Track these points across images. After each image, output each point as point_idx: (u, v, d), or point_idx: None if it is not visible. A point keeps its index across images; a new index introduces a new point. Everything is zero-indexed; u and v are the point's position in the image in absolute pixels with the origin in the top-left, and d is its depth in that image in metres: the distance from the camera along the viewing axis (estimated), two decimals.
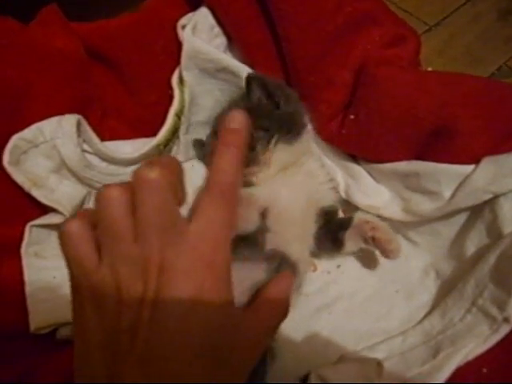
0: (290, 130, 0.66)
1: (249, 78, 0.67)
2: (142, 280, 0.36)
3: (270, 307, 0.43)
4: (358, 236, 0.65)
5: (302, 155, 0.69)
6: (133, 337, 0.36)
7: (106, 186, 0.37)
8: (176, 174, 0.38)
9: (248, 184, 0.66)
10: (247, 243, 0.59)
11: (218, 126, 0.72)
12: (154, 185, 0.35)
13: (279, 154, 0.66)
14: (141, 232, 0.36)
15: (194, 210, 0.37)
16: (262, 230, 0.60)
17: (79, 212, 0.40)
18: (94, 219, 0.38)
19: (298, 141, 0.67)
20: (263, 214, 0.61)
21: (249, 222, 0.57)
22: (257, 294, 0.44)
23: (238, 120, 0.38)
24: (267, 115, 0.67)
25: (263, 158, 0.65)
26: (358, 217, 0.66)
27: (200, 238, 0.37)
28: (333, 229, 0.67)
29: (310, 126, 0.70)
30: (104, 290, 0.37)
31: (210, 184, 0.37)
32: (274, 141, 0.65)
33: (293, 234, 0.63)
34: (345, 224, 0.66)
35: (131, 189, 0.37)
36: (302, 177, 0.68)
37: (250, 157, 0.65)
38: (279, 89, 0.68)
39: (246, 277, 0.59)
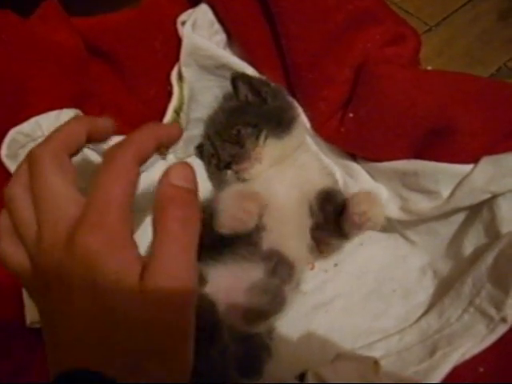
0: (279, 124, 0.66)
1: (234, 77, 0.68)
2: (51, 261, 0.36)
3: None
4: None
5: (294, 149, 0.69)
6: (59, 323, 0.36)
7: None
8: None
9: (241, 180, 0.66)
10: (243, 243, 0.58)
11: (207, 128, 0.73)
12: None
13: (270, 148, 0.66)
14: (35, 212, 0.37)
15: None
16: (258, 228, 0.59)
17: None
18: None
19: (288, 135, 0.67)
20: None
21: (252, 220, 0.57)
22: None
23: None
24: (255, 111, 0.67)
25: (254, 154, 0.65)
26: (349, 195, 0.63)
27: (88, 206, 0.35)
28: (333, 213, 0.64)
29: (301, 120, 0.70)
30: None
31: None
32: (263, 136, 0.65)
33: (289, 231, 0.63)
34: (340, 207, 0.63)
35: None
36: (295, 171, 0.67)
37: (241, 153, 0.65)
38: (265, 84, 0.68)
39: (243, 277, 0.59)
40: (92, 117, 0.43)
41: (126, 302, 0.34)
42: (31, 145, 0.60)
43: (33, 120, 0.60)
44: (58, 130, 0.40)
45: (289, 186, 0.65)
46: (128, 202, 0.36)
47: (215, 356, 0.51)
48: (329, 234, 0.66)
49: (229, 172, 0.67)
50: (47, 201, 0.37)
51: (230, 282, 0.58)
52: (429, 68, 0.75)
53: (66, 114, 0.61)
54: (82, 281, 0.34)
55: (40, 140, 0.59)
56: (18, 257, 0.39)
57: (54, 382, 0.35)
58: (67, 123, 0.41)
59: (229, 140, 0.67)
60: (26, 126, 0.60)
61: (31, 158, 0.38)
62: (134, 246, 0.36)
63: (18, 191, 0.39)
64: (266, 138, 0.65)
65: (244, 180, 0.66)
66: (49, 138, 0.39)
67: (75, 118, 0.42)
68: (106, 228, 0.34)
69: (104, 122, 0.44)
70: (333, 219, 0.64)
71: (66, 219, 0.36)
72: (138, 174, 0.37)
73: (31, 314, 0.57)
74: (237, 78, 0.68)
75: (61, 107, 0.61)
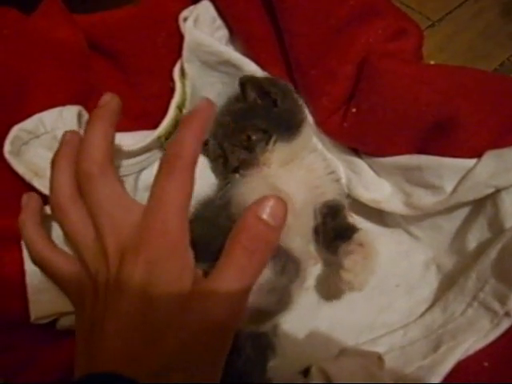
0: (288, 128, 0.66)
1: (242, 81, 0.67)
2: (105, 268, 0.38)
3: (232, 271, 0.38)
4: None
5: (302, 150, 0.69)
6: (102, 328, 0.37)
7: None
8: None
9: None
10: None
11: (214, 128, 0.71)
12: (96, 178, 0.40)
13: (279, 152, 0.65)
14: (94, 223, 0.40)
15: (151, 189, 0.39)
16: None
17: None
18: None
19: (297, 137, 0.66)
20: None
21: None
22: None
23: (200, 104, 0.40)
24: (264, 115, 0.66)
25: (262, 159, 0.65)
26: (359, 235, 0.61)
27: (153, 216, 0.38)
28: (332, 231, 0.64)
29: (310, 119, 0.69)
30: (80, 283, 0.41)
31: (164, 158, 0.39)
32: (272, 141, 0.65)
33: (296, 230, 0.62)
34: (346, 233, 0.62)
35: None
36: (302, 171, 0.67)
37: (249, 159, 0.65)
38: (274, 85, 0.67)
39: None
40: (107, 114, 0.43)
41: (175, 307, 0.36)
42: (34, 141, 0.60)
43: (36, 117, 0.60)
44: (91, 139, 0.41)
45: (296, 186, 0.65)
46: (186, 212, 0.38)
47: (235, 361, 0.52)
48: (322, 246, 0.66)
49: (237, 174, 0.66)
50: (107, 211, 0.39)
51: None
52: (432, 62, 0.74)
53: (69, 111, 0.61)
54: (137, 285, 0.36)
55: (43, 137, 0.60)
56: (65, 263, 0.43)
57: (82, 381, 0.36)
58: (95, 132, 0.42)
59: (238, 145, 0.66)
60: (28, 123, 0.59)
61: (82, 175, 0.40)
62: (191, 253, 0.38)
63: (66, 202, 0.42)
64: (275, 143, 0.65)
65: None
66: (89, 149, 0.41)
67: (97, 123, 0.42)
68: (168, 236, 0.37)
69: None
70: (330, 237, 0.64)
71: (128, 226, 0.38)
72: (193, 185, 0.38)
73: (36, 309, 0.57)
74: (245, 82, 0.67)
75: (63, 104, 0.61)
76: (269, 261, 0.58)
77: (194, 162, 0.38)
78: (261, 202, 0.37)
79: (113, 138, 0.43)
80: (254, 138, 0.65)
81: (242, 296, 0.37)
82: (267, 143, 0.65)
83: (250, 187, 0.62)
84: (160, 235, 0.37)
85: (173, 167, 0.37)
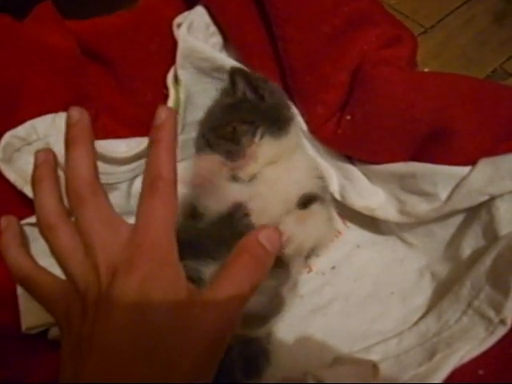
0: (275, 122, 0.66)
1: (232, 71, 0.67)
2: (96, 285, 0.39)
3: (229, 286, 0.39)
4: None
5: (290, 150, 0.69)
6: (91, 344, 0.37)
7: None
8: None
9: (236, 179, 0.65)
10: (234, 244, 0.58)
11: (202, 124, 0.73)
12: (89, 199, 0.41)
13: (266, 147, 0.65)
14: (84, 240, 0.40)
15: (137, 209, 0.40)
16: (248, 228, 0.60)
17: None
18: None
19: (284, 134, 0.67)
20: (246, 212, 0.62)
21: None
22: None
23: (159, 115, 0.40)
24: (251, 108, 0.67)
25: (249, 152, 0.65)
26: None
27: (142, 233, 0.39)
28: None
29: (297, 121, 0.70)
30: (67, 301, 0.41)
31: (146, 181, 0.40)
32: (259, 134, 0.65)
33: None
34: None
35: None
36: (285, 171, 0.67)
37: (236, 150, 0.65)
38: (263, 81, 0.68)
39: None
40: (85, 132, 0.44)
41: (170, 318, 0.37)
42: (26, 148, 0.60)
43: (28, 124, 0.59)
44: (78, 160, 0.42)
45: (277, 187, 0.65)
46: (173, 227, 0.39)
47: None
48: None
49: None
50: (97, 230, 0.40)
51: None
52: (426, 70, 0.75)
53: (62, 118, 0.61)
54: (131, 299, 0.37)
55: (35, 144, 0.60)
56: (51, 282, 0.43)
57: None
58: (80, 152, 0.43)
59: (224, 137, 0.66)
60: (21, 130, 0.59)
61: (73, 195, 0.41)
62: (181, 265, 0.40)
63: (56, 221, 0.42)
64: (262, 136, 0.65)
65: (238, 179, 0.65)
66: (78, 170, 0.42)
67: (78, 142, 0.43)
68: (158, 250, 0.38)
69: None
70: None
71: (117, 244, 0.39)
72: (177, 199, 0.40)
73: (27, 319, 0.57)
74: (235, 73, 0.67)
75: (56, 110, 0.61)
76: None
77: (175, 179, 0.40)
78: (262, 229, 0.41)
79: (95, 154, 0.44)
80: (238, 129, 0.65)
81: (237, 308, 0.39)
82: (254, 135, 0.65)
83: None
84: (151, 251, 0.38)
85: (156, 188, 0.39)
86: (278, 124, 0.66)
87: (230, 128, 0.65)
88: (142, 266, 0.37)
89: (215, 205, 0.63)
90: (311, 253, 0.68)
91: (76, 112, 0.43)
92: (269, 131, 0.65)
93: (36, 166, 0.45)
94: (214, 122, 0.68)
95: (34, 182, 0.44)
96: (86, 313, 0.39)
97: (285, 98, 0.70)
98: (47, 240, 0.42)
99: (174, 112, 0.42)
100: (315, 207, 0.65)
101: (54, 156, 0.46)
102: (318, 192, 0.68)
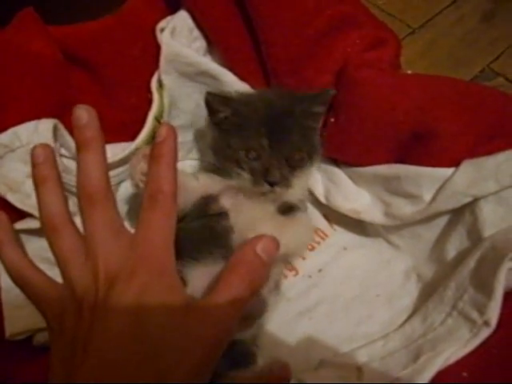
0: None
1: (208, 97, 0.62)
2: (94, 290, 0.39)
3: (227, 295, 0.40)
4: None
5: None
6: (85, 348, 0.37)
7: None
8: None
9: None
10: (218, 245, 0.58)
11: None
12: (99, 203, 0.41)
13: None
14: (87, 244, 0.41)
15: (138, 220, 0.41)
16: (227, 230, 0.60)
17: None
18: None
19: None
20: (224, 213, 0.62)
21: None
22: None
23: (160, 133, 0.41)
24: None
25: None
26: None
27: (142, 243, 0.40)
28: None
29: None
30: (61, 303, 0.42)
31: (147, 193, 0.41)
32: None
33: (258, 232, 0.61)
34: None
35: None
36: None
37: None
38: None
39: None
40: (99, 137, 0.43)
41: (167, 324, 0.38)
42: (10, 156, 0.60)
43: (10, 131, 0.59)
44: (92, 163, 0.42)
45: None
46: (172, 238, 0.41)
47: None
48: None
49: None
50: (101, 235, 0.41)
51: (209, 283, 0.57)
52: (409, 72, 0.75)
53: (45, 124, 0.60)
54: (129, 306, 0.38)
55: (19, 151, 0.60)
56: (46, 282, 0.44)
57: None
58: (95, 155, 0.42)
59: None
60: (3, 137, 0.59)
61: (86, 198, 0.41)
62: (178, 275, 0.41)
63: (60, 222, 0.42)
64: None
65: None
66: (94, 174, 0.41)
67: (93, 146, 0.42)
68: (157, 260, 0.40)
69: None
70: None
71: (117, 251, 0.40)
72: (176, 213, 0.41)
73: (11, 326, 0.57)
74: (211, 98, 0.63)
75: (39, 117, 0.61)
76: None
77: (174, 193, 0.41)
78: (259, 238, 0.41)
79: (107, 158, 0.44)
80: None
81: (233, 317, 0.40)
82: None
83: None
84: (150, 261, 0.39)
85: (155, 201, 0.40)
86: None
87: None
88: (141, 276, 0.39)
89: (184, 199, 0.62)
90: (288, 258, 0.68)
91: (84, 112, 0.41)
92: None
93: (37, 165, 0.44)
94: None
95: (38, 183, 0.44)
96: (81, 317, 0.39)
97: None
98: (50, 241, 0.42)
99: (174, 129, 0.42)
100: (297, 215, 0.65)
101: (53, 152, 0.45)
102: (294, 202, 0.66)
